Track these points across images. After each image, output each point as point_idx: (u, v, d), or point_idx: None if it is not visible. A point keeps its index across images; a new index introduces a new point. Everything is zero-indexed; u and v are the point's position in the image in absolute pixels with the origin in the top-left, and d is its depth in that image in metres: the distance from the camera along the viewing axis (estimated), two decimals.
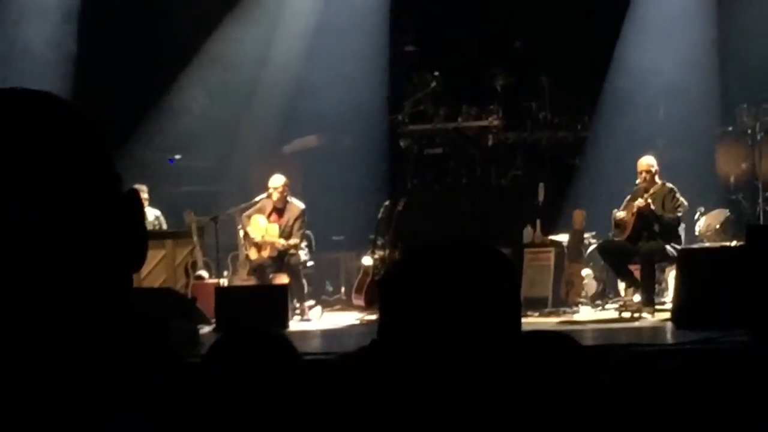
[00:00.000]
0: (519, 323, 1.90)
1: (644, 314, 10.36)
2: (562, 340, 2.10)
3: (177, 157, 14.87)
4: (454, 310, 1.77)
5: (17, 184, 1.15)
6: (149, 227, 12.44)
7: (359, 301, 11.93)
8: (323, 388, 1.94)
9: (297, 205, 11.94)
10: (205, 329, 10.35)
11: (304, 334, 10.32)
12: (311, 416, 1.96)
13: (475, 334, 1.77)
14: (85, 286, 1.18)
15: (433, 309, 1.76)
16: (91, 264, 1.18)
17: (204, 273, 12.19)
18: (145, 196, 12.51)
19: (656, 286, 10.83)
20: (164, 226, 13.05)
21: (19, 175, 1.16)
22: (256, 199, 12.03)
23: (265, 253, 11.77)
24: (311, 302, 11.91)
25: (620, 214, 10.94)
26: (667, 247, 10.54)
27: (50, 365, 1.15)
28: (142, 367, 1.20)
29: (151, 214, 12.79)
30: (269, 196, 11.87)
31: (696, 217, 12.18)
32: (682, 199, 10.88)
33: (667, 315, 9.91)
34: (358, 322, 11.43)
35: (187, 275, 12.21)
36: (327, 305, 12.67)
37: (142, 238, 1.25)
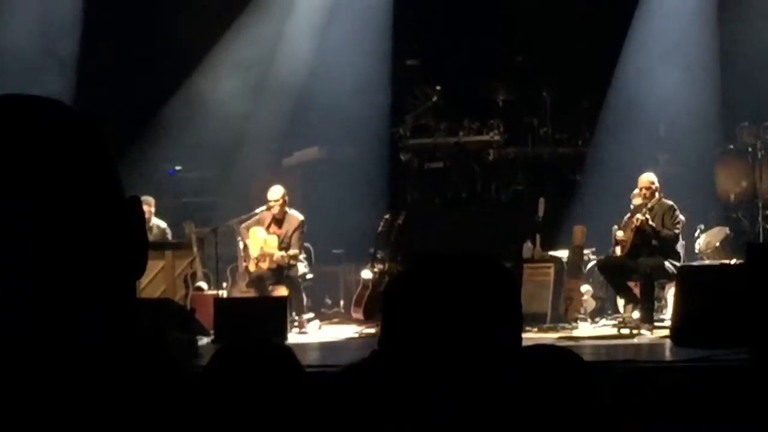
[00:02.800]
0: (520, 336, 1.90)
1: (643, 331, 10.34)
2: (564, 354, 2.10)
3: (177, 168, 14.87)
4: (456, 322, 1.77)
5: (18, 189, 1.16)
6: (153, 238, 12.43)
7: (358, 315, 11.91)
8: (326, 399, 1.94)
9: (296, 216, 11.92)
10: (204, 341, 10.33)
11: (302, 347, 10.30)
12: (313, 427, 1.96)
13: (476, 345, 1.77)
14: (87, 292, 1.18)
15: (435, 320, 1.76)
16: (93, 270, 1.18)
17: (203, 284, 12.18)
18: (151, 209, 12.44)
19: (655, 303, 10.82)
20: (170, 238, 13.02)
21: (21, 179, 1.16)
22: (256, 211, 12.01)
23: (264, 265, 11.76)
24: (309, 315, 11.89)
25: (620, 234, 10.94)
26: (667, 264, 10.55)
27: (48, 373, 1.15)
28: (142, 377, 1.20)
29: (156, 225, 12.78)
30: (269, 209, 11.86)
31: (696, 234, 12.17)
32: (681, 217, 10.90)
33: (666, 332, 9.90)
34: (356, 335, 11.41)
35: (187, 286, 12.20)
36: (325, 318, 12.64)
37: (143, 245, 1.25)
